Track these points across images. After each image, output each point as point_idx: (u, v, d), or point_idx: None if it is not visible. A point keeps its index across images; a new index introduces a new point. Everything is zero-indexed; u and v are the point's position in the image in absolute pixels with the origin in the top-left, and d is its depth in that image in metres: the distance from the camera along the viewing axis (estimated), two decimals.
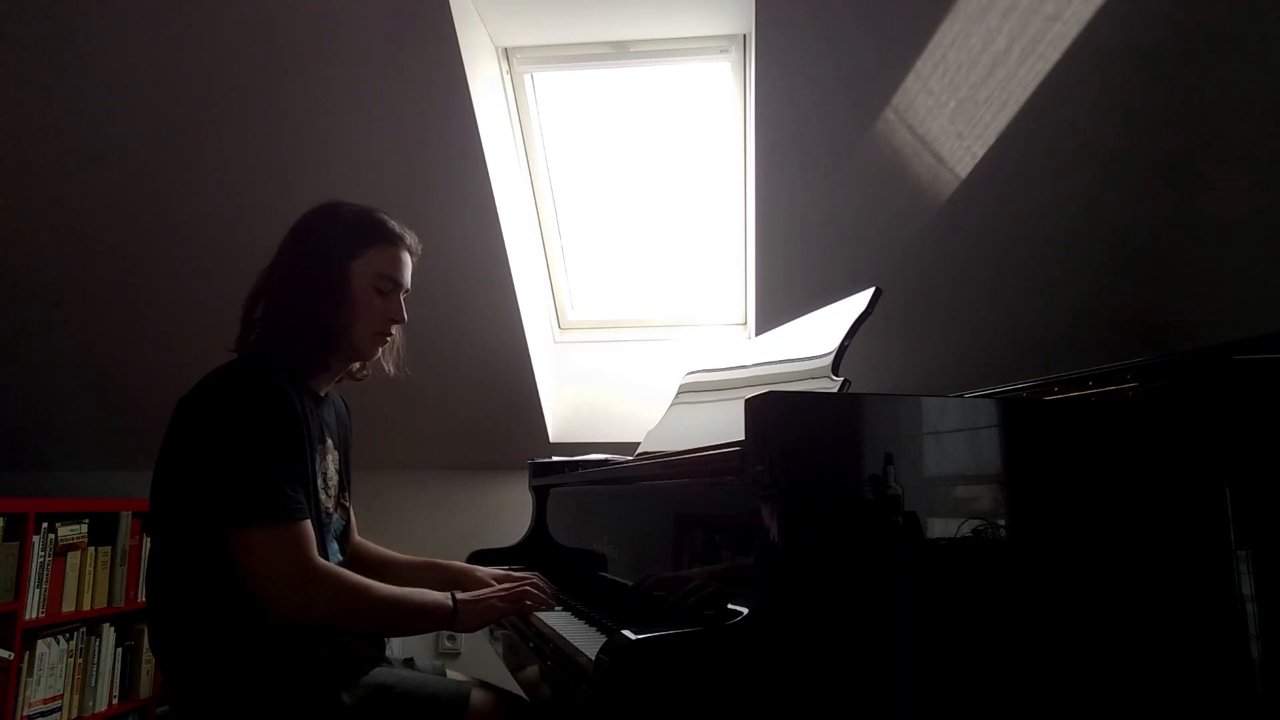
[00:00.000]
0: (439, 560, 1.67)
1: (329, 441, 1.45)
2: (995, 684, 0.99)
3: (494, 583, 1.53)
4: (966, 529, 1.01)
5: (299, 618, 1.22)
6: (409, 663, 1.53)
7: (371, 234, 1.42)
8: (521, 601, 1.42)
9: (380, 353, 1.48)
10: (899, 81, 2.02)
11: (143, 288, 2.66)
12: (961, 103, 2.03)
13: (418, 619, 1.35)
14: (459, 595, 1.38)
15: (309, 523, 1.26)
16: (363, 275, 1.41)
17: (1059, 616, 1.03)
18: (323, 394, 1.47)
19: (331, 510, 1.44)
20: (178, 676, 1.29)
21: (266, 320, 1.40)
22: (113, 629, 2.69)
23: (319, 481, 1.38)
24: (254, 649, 1.25)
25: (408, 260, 1.47)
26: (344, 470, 1.51)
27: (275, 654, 1.25)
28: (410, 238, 1.47)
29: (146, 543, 2.81)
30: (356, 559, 1.60)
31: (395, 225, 1.45)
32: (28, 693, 2.40)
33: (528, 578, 1.54)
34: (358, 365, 1.50)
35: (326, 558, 1.37)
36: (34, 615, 2.43)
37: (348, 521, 1.54)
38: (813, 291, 1.71)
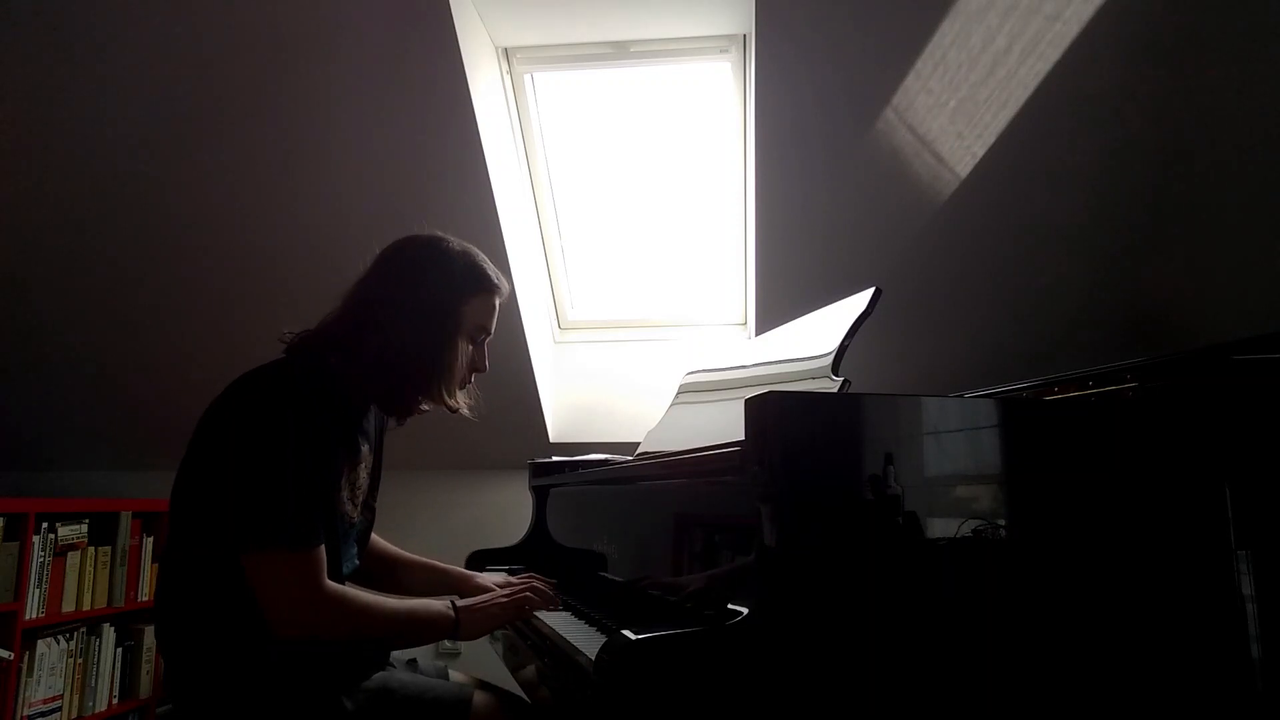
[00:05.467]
0: (441, 565, 1.68)
1: (365, 448, 1.43)
2: (995, 684, 0.99)
3: (495, 588, 1.53)
4: (966, 529, 1.01)
5: (304, 638, 1.23)
6: (412, 664, 1.52)
7: (482, 282, 1.42)
8: (523, 608, 1.42)
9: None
10: (899, 81, 2.02)
11: (143, 288, 2.66)
12: (961, 103, 2.03)
13: (421, 633, 1.35)
14: (459, 603, 1.38)
15: (322, 548, 1.25)
16: (466, 324, 1.40)
17: (1059, 616, 1.03)
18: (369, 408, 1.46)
19: (355, 517, 1.43)
20: (182, 676, 1.30)
21: (349, 348, 1.35)
22: (113, 629, 2.69)
23: (345, 493, 1.37)
24: (258, 653, 1.25)
25: (499, 307, 1.47)
26: (376, 471, 1.50)
27: (278, 658, 1.25)
28: (505, 284, 1.46)
29: (147, 543, 2.81)
30: (368, 555, 1.61)
31: (494, 273, 1.44)
32: (28, 693, 2.41)
33: (527, 581, 1.54)
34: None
35: (342, 565, 1.37)
36: (34, 615, 2.43)
37: (371, 523, 1.53)
38: (813, 291, 1.71)
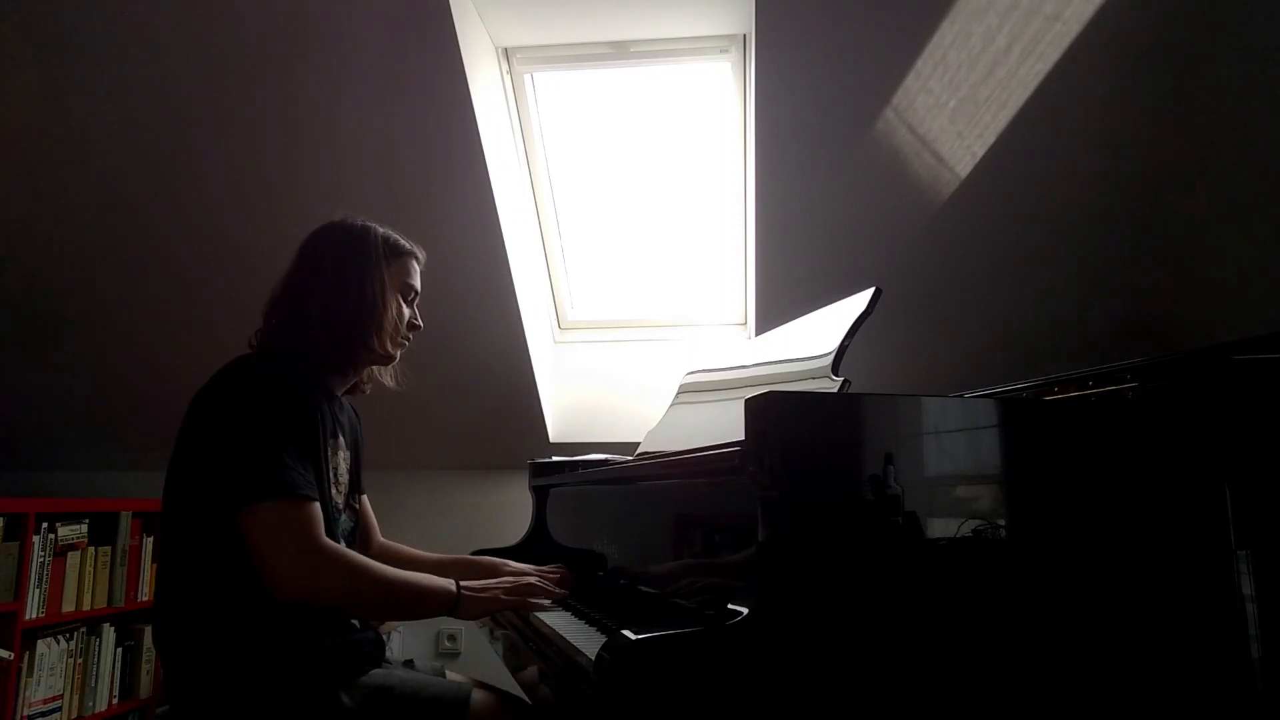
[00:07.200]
0: (469, 557, 1.69)
1: (341, 439, 1.46)
2: (995, 683, 0.99)
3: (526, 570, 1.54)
4: (966, 529, 1.01)
5: (304, 595, 1.23)
6: (409, 664, 1.52)
7: (397, 247, 1.52)
8: (524, 595, 1.42)
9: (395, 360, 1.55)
10: (899, 81, 2.02)
11: (143, 287, 2.66)
12: (961, 103, 2.03)
13: (420, 603, 1.34)
14: (464, 583, 1.37)
15: (318, 505, 1.27)
16: (391, 284, 1.49)
17: (1059, 616, 1.03)
18: (337, 394, 1.50)
19: (341, 508, 1.44)
20: (179, 675, 1.30)
21: (294, 324, 1.43)
22: (113, 629, 2.69)
23: (331, 474, 1.39)
24: (256, 652, 1.25)
25: (419, 269, 1.57)
26: (354, 471, 1.52)
27: (275, 655, 1.25)
28: (420, 250, 1.57)
29: (147, 543, 2.81)
30: (384, 559, 1.60)
31: (407, 241, 1.55)
32: (28, 693, 2.40)
33: (549, 570, 1.55)
34: (365, 375, 1.55)
35: None
36: (34, 615, 2.43)
37: (357, 523, 1.54)
38: (813, 291, 1.71)
